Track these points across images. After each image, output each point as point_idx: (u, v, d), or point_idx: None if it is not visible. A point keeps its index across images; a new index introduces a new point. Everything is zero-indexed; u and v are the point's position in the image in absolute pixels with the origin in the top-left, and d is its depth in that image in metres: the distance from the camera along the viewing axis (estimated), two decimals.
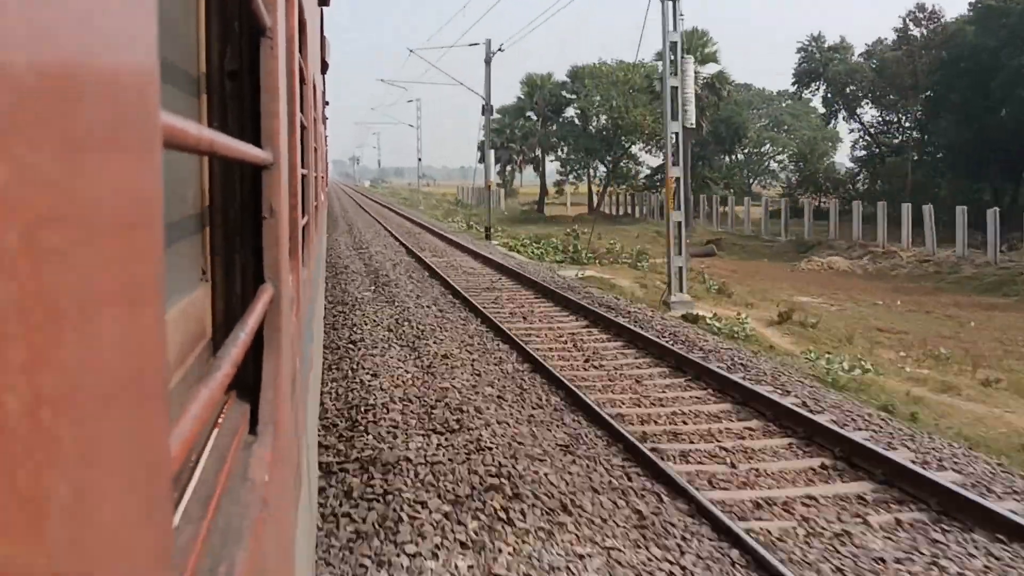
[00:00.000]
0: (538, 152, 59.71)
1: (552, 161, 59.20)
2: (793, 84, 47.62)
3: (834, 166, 48.70)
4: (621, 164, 54.68)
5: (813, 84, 46.95)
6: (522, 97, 57.40)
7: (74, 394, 0.35)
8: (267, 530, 0.96)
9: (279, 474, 1.10)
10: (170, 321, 1.09)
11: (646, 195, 52.20)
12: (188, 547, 0.77)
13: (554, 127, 56.32)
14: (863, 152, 46.20)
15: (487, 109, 28.48)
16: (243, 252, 1.25)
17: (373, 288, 13.41)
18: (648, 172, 55.52)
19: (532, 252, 22.40)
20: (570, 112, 56.72)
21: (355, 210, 44.11)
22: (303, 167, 2.66)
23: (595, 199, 57.70)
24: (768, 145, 56.46)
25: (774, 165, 57.82)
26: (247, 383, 1.15)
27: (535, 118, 58.28)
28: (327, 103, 12.35)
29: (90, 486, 0.36)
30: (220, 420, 1.05)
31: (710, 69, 41.76)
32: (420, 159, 64.59)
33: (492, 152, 28.20)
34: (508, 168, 69.42)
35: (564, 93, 55.60)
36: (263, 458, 1.02)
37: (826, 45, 45.67)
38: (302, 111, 2.50)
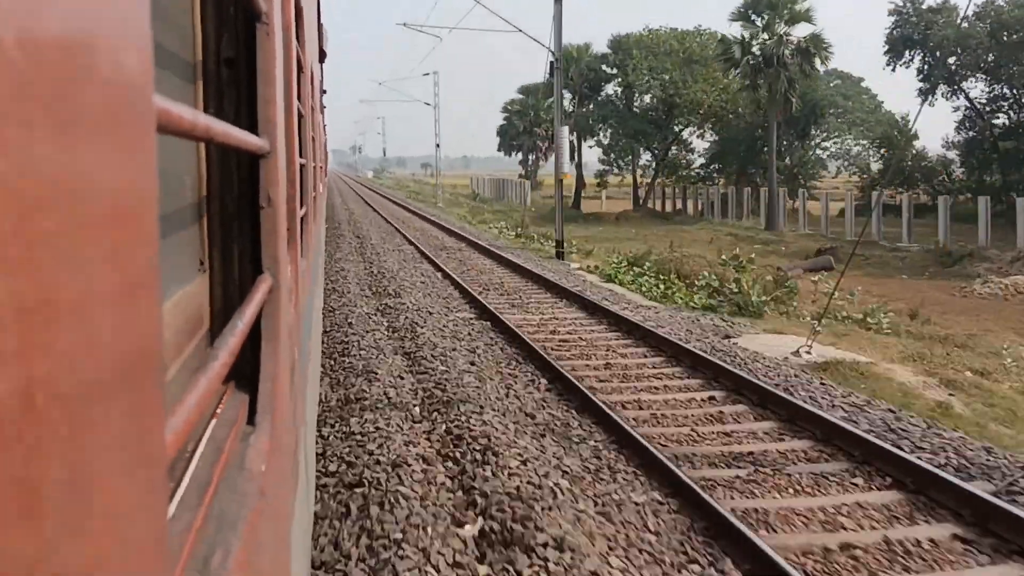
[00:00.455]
0: (572, 137, 59.54)
1: (591, 147, 58.72)
2: (886, 53, 46.99)
3: (925, 153, 47.97)
4: (671, 151, 54.06)
5: (908, 53, 46.27)
6: None
7: (69, 383, 0.40)
8: (264, 519, 1.12)
9: (276, 464, 1.29)
10: (168, 311, 1.29)
11: (699, 188, 51.75)
12: (184, 535, 0.88)
13: (591, 107, 56.13)
14: (970, 134, 45.31)
15: (555, 66, 21.92)
16: (241, 242, 1.46)
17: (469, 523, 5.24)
18: (704, 159, 54.96)
19: (643, 285, 17.06)
20: (611, 89, 56.35)
21: (363, 211, 39.46)
22: (301, 156, 2.88)
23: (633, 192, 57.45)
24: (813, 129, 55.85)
25: (818, 152, 56.70)
26: (245, 374, 1.34)
27: (570, 96, 58.26)
28: (324, 92, 13.26)
29: (86, 474, 0.42)
30: (218, 410, 1.24)
31: (801, 31, 40.73)
32: (439, 144, 58.83)
33: (563, 131, 21.98)
34: (532, 156, 69.57)
35: (604, 67, 55.33)
36: (261, 448, 1.19)
37: (925, 6, 44.61)
38: (299, 99, 2.71)
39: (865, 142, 56.43)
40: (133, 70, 0.51)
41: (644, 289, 16.85)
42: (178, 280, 1.36)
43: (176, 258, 1.37)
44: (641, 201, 55.51)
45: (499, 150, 74.06)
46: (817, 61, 40.70)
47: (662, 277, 18.12)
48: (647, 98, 54.04)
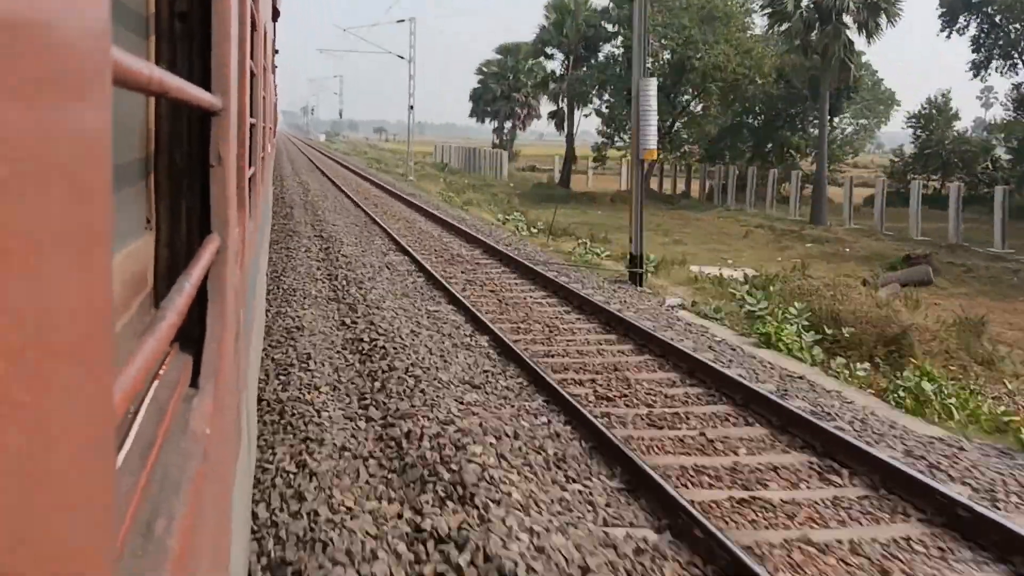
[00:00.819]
0: (562, 104, 59.21)
1: (587, 116, 58.39)
2: (942, 17, 47.40)
3: (966, 136, 48.34)
4: (677, 125, 53.57)
5: (963, 18, 46.82)
6: (547, 27, 57.06)
7: (15, 338, 0.44)
8: (207, 482, 1.29)
9: (220, 427, 1.48)
10: (112, 269, 1.45)
11: (706, 168, 51.55)
12: (127, 498, 0.99)
13: (584, 69, 55.64)
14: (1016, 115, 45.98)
15: None
16: (189, 201, 1.64)
17: None
18: (712, 135, 54.64)
19: (794, 345, 11.33)
20: (611, 50, 55.43)
21: (321, 186, 35.23)
22: (252, 116, 3.06)
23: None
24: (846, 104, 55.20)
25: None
26: (190, 335, 1.53)
27: (561, 56, 57.78)
28: (277, 52, 13.47)
29: (35, 435, 0.46)
30: (161, 372, 1.41)
31: None
32: (412, 106, 52.85)
33: (650, 84, 16.05)
34: (508, 124, 69.59)
35: (604, 24, 54.88)
36: (205, 411, 1.35)
37: None
38: (252, 58, 2.89)
39: (864, 121, 56.52)
40: (91, 21, 0.56)
41: (822, 359, 11.22)
42: (123, 238, 1.54)
43: (121, 215, 1.54)
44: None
45: (471, 116, 74.25)
46: (883, 19, 39.83)
47: (827, 331, 12.70)
48: (649, 61, 53.55)
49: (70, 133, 0.53)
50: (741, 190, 45.61)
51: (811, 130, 48.94)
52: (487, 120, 72.05)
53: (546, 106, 65.05)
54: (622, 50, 54.41)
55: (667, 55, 51.44)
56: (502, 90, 67.71)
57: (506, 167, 61.00)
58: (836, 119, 52.11)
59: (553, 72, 60.93)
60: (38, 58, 0.47)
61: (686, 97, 52.51)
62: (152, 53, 1.66)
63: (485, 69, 70.26)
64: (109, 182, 0.62)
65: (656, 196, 51.18)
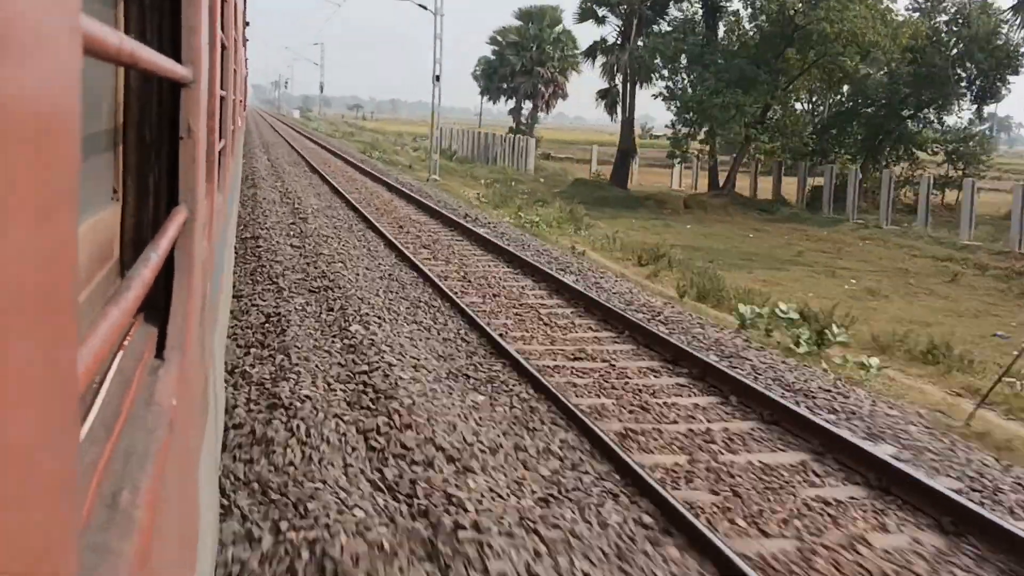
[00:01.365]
0: (617, 82, 58.30)
1: (657, 98, 57.04)
2: None
3: None
4: (773, 111, 51.99)
5: None
6: None
7: None
8: (172, 454, 1.63)
9: (186, 399, 1.86)
10: (78, 239, 1.83)
11: (807, 165, 50.77)
12: (91, 470, 1.17)
13: (642, 42, 54.87)
14: None
15: None
16: (157, 172, 2.05)
17: None
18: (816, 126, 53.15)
19: None
20: (675, 13, 54.58)
21: (319, 198, 27.42)
22: (222, 88, 3.48)
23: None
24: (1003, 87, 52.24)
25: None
26: (156, 306, 1.92)
27: (617, 22, 57.19)
28: (247, 24, 14.66)
29: None
30: (125, 343, 1.78)
31: None
32: (439, 76, 45.73)
33: None
34: (528, 105, 69.17)
35: None
36: (170, 382, 1.70)
37: None
38: (223, 29, 3.29)
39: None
40: None
41: None
42: (89, 208, 1.94)
43: (88, 185, 1.92)
44: (724, 183, 54.06)
45: (483, 94, 74.12)
46: None
47: None
48: (721, 28, 52.20)
49: (38, 101, 0.62)
50: (843, 195, 44.61)
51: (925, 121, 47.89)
52: (504, 99, 71.77)
53: (574, 84, 64.09)
54: (699, 9, 53.38)
55: (759, 20, 50.09)
56: (523, 64, 67.84)
57: (532, 157, 60.93)
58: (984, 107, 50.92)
59: (604, 40, 60.47)
60: (5, 24, 0.54)
61: (783, 77, 50.34)
62: (121, 21, 2.06)
63: (501, 39, 70.06)
64: (77, 151, 0.72)
65: (742, 200, 49.81)
